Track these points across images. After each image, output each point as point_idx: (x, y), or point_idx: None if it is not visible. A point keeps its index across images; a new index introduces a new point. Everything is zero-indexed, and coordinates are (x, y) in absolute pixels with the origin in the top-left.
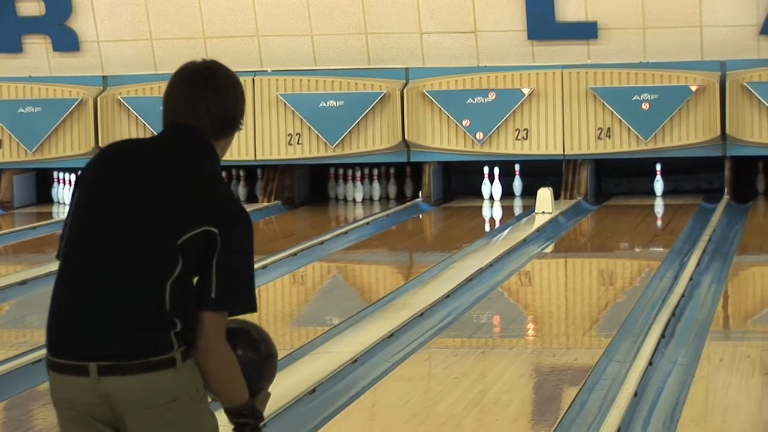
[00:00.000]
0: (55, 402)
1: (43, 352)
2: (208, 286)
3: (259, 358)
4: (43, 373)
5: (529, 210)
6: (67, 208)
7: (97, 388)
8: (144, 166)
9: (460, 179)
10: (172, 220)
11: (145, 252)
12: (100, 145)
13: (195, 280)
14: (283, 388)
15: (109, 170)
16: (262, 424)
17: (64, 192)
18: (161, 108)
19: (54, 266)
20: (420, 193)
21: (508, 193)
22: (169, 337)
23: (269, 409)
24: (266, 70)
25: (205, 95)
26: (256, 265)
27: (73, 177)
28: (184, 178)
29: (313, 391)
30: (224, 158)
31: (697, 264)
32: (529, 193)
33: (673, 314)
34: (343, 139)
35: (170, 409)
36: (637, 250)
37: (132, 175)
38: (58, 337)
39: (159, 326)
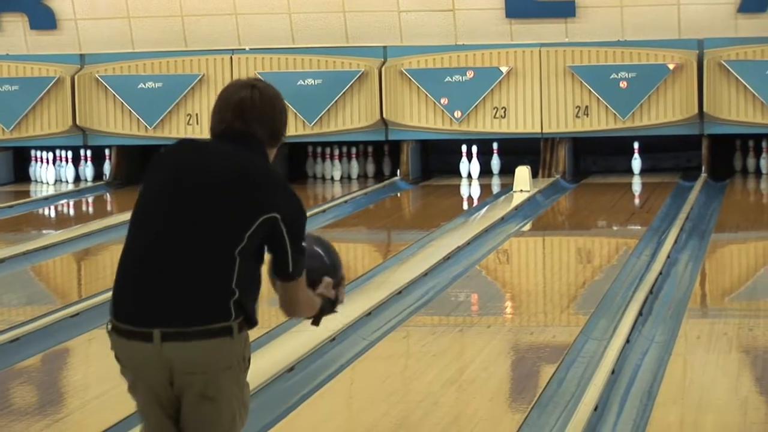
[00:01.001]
0: (120, 361)
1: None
2: (286, 263)
3: (332, 258)
4: (21, 352)
5: (507, 188)
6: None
7: (159, 353)
8: (215, 156)
9: (438, 157)
10: (241, 207)
11: (213, 230)
12: (78, 123)
13: (259, 256)
14: (261, 366)
15: (186, 158)
16: (338, 303)
17: (41, 170)
18: (139, 86)
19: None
20: (398, 171)
21: (486, 171)
22: (228, 306)
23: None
24: (244, 49)
25: (252, 107)
26: None
27: (50, 155)
28: (251, 171)
29: (292, 368)
30: (202, 136)
31: (675, 242)
32: (507, 171)
33: (651, 292)
34: (321, 118)
35: (224, 376)
36: (615, 228)
37: (205, 164)
38: (124, 305)
39: (220, 296)
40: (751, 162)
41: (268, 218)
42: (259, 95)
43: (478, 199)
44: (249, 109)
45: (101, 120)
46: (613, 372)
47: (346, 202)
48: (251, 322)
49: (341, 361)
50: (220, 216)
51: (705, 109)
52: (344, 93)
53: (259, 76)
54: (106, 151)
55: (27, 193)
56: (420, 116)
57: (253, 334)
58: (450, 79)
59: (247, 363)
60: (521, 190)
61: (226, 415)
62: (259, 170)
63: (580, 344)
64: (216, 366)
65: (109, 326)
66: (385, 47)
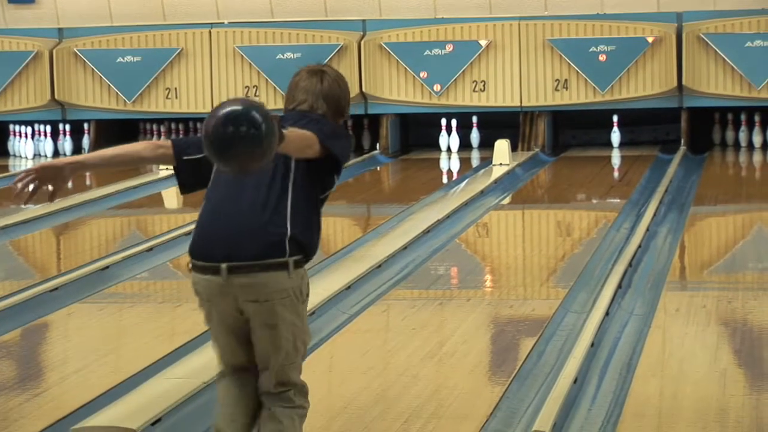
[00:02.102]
0: (197, 294)
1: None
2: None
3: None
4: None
5: (486, 162)
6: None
7: (227, 284)
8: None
9: (417, 131)
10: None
11: (270, 176)
12: (56, 97)
13: (313, 197)
14: None
15: None
16: None
17: (20, 145)
18: (117, 60)
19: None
20: (377, 145)
21: (465, 144)
22: (283, 244)
23: None
24: (223, 23)
25: (321, 86)
26: None
27: (29, 129)
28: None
29: None
30: (180, 110)
31: (654, 215)
32: (487, 144)
33: (630, 265)
34: None
35: (281, 307)
36: (594, 201)
37: None
38: (199, 245)
39: (275, 235)
40: (729, 135)
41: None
42: (325, 79)
43: (458, 172)
44: (316, 91)
45: (80, 94)
46: (592, 345)
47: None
48: (308, 257)
49: (321, 335)
50: (270, 165)
51: (684, 82)
52: None
53: (239, 50)
54: (85, 126)
55: (6, 168)
56: (399, 90)
57: None
58: (429, 53)
59: (304, 296)
60: (501, 164)
61: (285, 340)
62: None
63: (559, 317)
64: (273, 296)
65: (190, 265)
66: (364, 21)
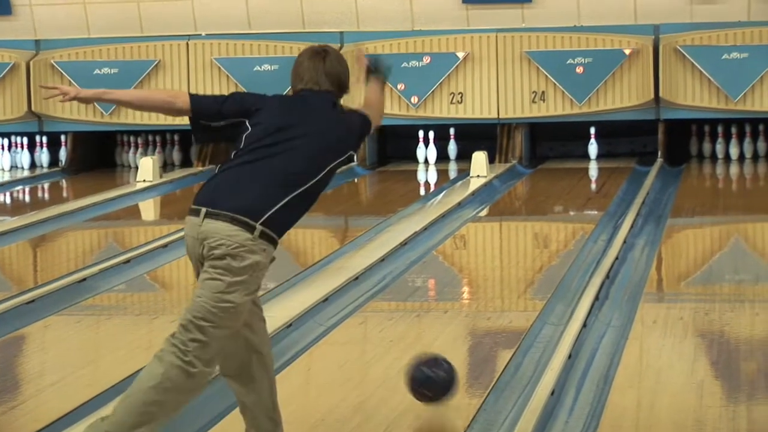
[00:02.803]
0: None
1: None
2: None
3: None
4: None
5: (464, 173)
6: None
7: (200, 225)
8: (307, 104)
9: (395, 143)
10: (324, 158)
11: (292, 166)
12: (33, 109)
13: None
14: None
15: (282, 106)
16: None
17: None
18: (95, 72)
19: None
20: (355, 157)
21: (443, 156)
22: (256, 223)
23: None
24: (200, 34)
25: (324, 65)
26: None
27: (6, 141)
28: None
29: None
30: (158, 122)
31: (631, 227)
32: (464, 156)
33: (607, 277)
34: None
35: (229, 266)
36: (572, 213)
37: (298, 110)
38: (198, 195)
39: (255, 213)
40: (706, 147)
41: (347, 157)
42: (327, 59)
43: (435, 184)
44: (319, 70)
45: (57, 106)
46: (569, 356)
47: None
48: (273, 240)
49: (298, 347)
50: (297, 156)
51: (661, 95)
52: None
53: (216, 62)
54: (62, 138)
55: None
56: None
57: None
58: (407, 65)
59: (254, 276)
60: (478, 176)
61: (208, 295)
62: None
63: (537, 329)
64: (229, 250)
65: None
66: (341, 33)
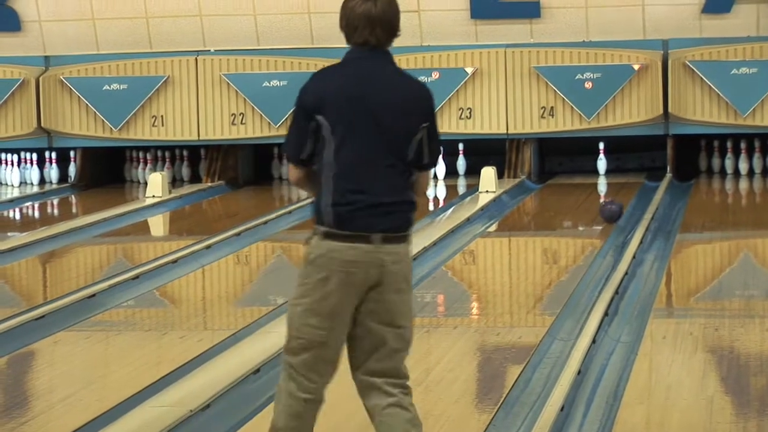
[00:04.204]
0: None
1: None
2: (424, 155)
3: None
4: None
5: (472, 189)
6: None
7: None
8: (384, 90)
9: None
10: (410, 121)
11: (398, 146)
12: (43, 125)
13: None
14: (227, 367)
15: (362, 98)
16: None
17: (6, 172)
18: (104, 88)
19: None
20: None
21: (451, 172)
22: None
23: (213, 389)
24: (209, 50)
25: (376, 11)
26: (199, 246)
27: (15, 157)
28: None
29: (258, 370)
30: (167, 138)
31: (640, 242)
32: (473, 172)
33: (617, 292)
34: (286, 119)
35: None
36: (581, 228)
37: (379, 99)
38: (347, 216)
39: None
40: (716, 162)
41: (426, 126)
42: (379, 3)
43: (444, 199)
44: (374, 18)
45: (66, 122)
46: (579, 372)
47: (312, 203)
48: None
49: None
50: (397, 132)
51: (670, 110)
52: None
53: (225, 78)
54: (71, 153)
55: None
56: None
57: (219, 336)
58: None
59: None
60: (487, 191)
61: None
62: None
63: (546, 345)
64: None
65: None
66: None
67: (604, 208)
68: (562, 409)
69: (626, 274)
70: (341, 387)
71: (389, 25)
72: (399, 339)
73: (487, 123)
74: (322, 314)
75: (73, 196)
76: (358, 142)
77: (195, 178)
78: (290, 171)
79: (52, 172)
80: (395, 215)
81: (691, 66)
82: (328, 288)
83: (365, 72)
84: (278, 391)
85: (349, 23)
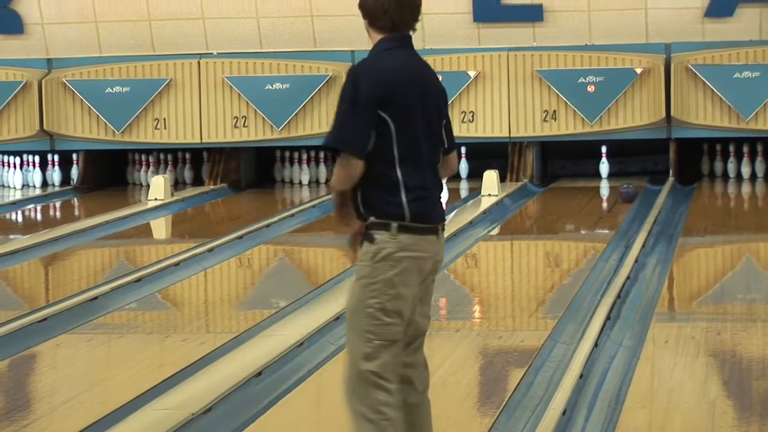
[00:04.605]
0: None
1: None
2: (451, 138)
3: None
4: None
5: (475, 192)
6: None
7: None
8: (426, 78)
9: None
10: (443, 108)
11: (439, 134)
12: (45, 127)
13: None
14: (229, 371)
15: (415, 88)
16: None
17: (8, 175)
18: (106, 91)
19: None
20: None
21: (454, 175)
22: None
23: (215, 392)
24: (212, 53)
25: (417, 5)
26: (201, 248)
27: (18, 160)
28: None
29: (260, 374)
30: (169, 141)
31: (643, 246)
32: (475, 175)
33: (619, 296)
34: (289, 122)
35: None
36: (583, 232)
37: (424, 88)
38: (422, 209)
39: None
40: (718, 166)
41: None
42: None
43: (446, 203)
44: (416, 8)
45: (69, 124)
46: (581, 376)
47: (314, 206)
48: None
49: (309, 366)
50: (439, 130)
51: (672, 113)
52: (312, 97)
53: (228, 80)
54: (74, 156)
55: None
56: None
57: (221, 338)
58: None
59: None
60: (489, 194)
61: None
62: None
63: (548, 348)
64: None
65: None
66: (353, 51)
67: (621, 192)
68: (564, 412)
69: (628, 277)
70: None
71: (418, 9)
72: (427, 323)
73: (490, 126)
74: (397, 310)
75: (75, 199)
76: (413, 134)
77: (197, 181)
78: (352, 166)
79: (55, 175)
80: (441, 205)
81: (693, 70)
82: (402, 283)
83: (409, 62)
84: (362, 416)
85: (383, 9)
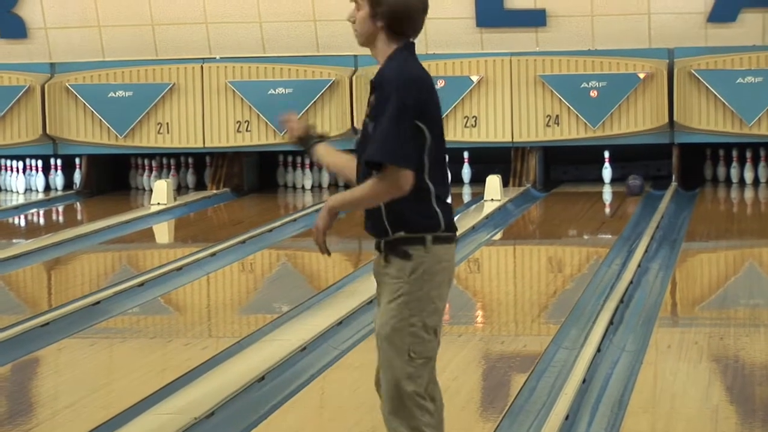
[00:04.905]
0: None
1: None
2: None
3: None
4: None
5: (478, 197)
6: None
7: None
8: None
9: None
10: None
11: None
12: (48, 132)
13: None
14: (231, 375)
15: (437, 96)
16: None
17: (11, 179)
18: (109, 95)
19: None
20: None
21: (457, 180)
22: None
23: (218, 397)
24: (215, 58)
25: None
26: (204, 253)
27: (20, 164)
28: None
29: (262, 378)
30: (172, 145)
31: (645, 251)
32: (478, 180)
33: (622, 301)
34: None
35: None
36: (586, 237)
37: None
38: (451, 217)
39: None
40: (721, 171)
41: None
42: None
43: None
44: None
45: (71, 129)
46: (584, 381)
47: (317, 211)
48: None
49: (312, 371)
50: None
51: (675, 118)
52: (315, 102)
53: (231, 85)
54: (77, 160)
55: None
56: None
57: (223, 343)
58: None
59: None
60: (492, 199)
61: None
62: None
63: (551, 353)
64: None
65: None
66: (355, 56)
67: (629, 184)
68: (566, 417)
69: (631, 282)
70: (347, 395)
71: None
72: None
73: (493, 131)
74: (435, 326)
75: (78, 203)
76: (441, 141)
77: (200, 186)
78: (405, 178)
79: (57, 179)
80: None
81: (696, 75)
82: (438, 297)
83: (424, 69)
84: None
85: (408, 14)
